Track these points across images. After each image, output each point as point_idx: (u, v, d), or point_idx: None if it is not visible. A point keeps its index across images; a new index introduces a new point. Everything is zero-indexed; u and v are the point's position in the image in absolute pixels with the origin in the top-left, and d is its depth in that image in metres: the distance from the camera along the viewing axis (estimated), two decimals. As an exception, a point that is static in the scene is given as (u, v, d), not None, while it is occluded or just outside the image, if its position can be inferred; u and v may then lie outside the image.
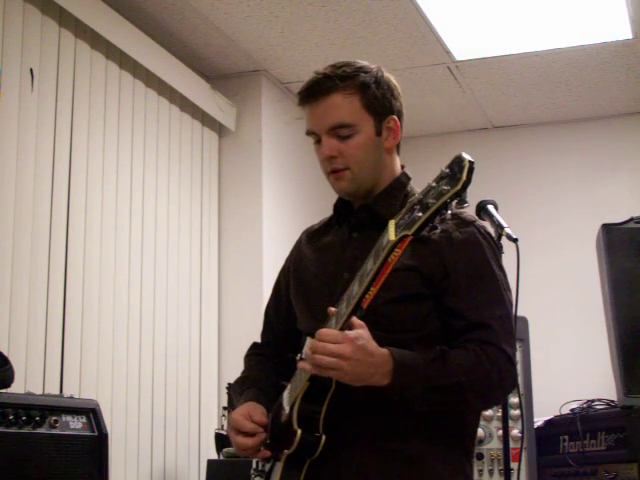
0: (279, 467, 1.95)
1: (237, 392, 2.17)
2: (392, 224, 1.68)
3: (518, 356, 4.09)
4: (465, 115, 5.36)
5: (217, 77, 4.72)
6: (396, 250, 1.67)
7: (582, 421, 3.90)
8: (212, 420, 4.34)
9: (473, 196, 1.63)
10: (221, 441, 3.87)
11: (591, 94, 5.03)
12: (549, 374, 4.73)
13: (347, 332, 1.77)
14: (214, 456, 3.95)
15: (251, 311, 4.32)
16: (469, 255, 1.95)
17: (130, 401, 3.81)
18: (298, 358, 1.92)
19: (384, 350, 1.81)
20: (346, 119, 1.98)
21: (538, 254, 4.89)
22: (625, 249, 3.91)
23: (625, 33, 4.32)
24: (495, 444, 4.11)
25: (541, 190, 5.39)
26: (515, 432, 4.00)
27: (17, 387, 2.83)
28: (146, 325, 3.97)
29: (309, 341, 1.82)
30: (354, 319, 1.78)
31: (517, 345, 4.03)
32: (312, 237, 2.20)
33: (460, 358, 1.86)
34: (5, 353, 2.74)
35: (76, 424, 2.77)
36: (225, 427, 3.86)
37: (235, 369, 2.35)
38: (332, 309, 1.82)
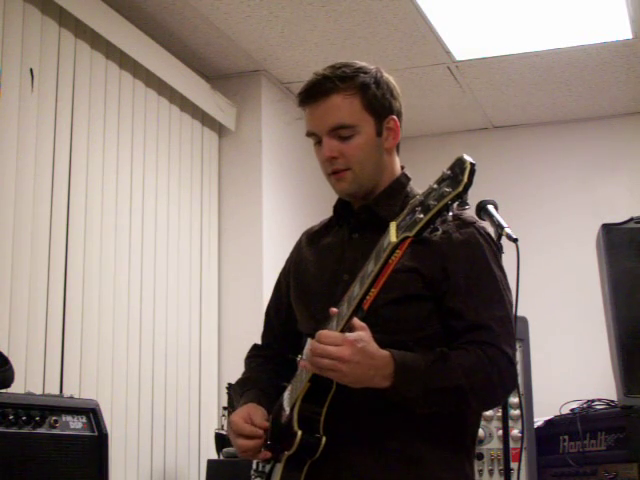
0: (279, 468, 1.95)
1: (237, 393, 2.17)
2: (393, 225, 1.68)
3: (518, 356, 4.09)
4: (465, 115, 5.36)
5: (217, 77, 4.72)
6: (397, 251, 1.67)
7: (582, 421, 3.90)
8: (212, 420, 4.34)
9: (473, 196, 1.64)
10: (221, 441, 3.87)
11: (591, 94, 5.03)
12: (549, 374, 4.73)
13: (347, 334, 1.77)
14: (214, 456, 3.95)
15: (251, 311, 4.32)
16: (469, 256, 1.95)
17: (130, 401, 3.81)
18: (299, 359, 1.92)
19: (385, 352, 1.81)
20: (346, 120, 1.98)
21: (538, 254, 4.89)
22: (625, 249, 3.91)
23: (625, 33, 4.32)
24: (495, 444, 4.11)
25: (541, 190, 5.39)
26: (515, 432, 4.00)
27: (17, 387, 2.83)
28: (146, 325, 3.97)
29: (309, 342, 1.82)
30: (355, 321, 1.78)
31: (517, 345, 4.03)
32: (312, 238, 2.20)
33: (461, 360, 1.86)
34: (5, 353, 2.74)
35: (76, 424, 2.77)
36: (225, 427, 3.86)
37: (235, 369, 2.35)
38: (334, 309, 1.82)
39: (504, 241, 2.52)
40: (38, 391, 3.17)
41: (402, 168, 2.11)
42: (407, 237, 1.64)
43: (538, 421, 4.20)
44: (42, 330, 3.35)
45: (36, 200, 3.38)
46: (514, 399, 3.93)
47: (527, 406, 4.06)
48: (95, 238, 3.68)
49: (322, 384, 1.85)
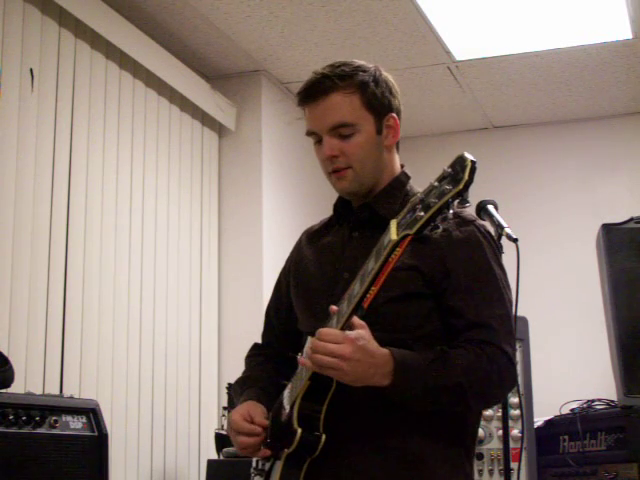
0: (279, 466, 1.95)
1: (237, 392, 2.17)
2: (394, 223, 1.68)
3: (518, 356, 4.09)
4: (465, 115, 5.36)
5: (217, 77, 4.72)
6: (397, 249, 1.67)
7: (582, 421, 3.90)
8: (212, 420, 4.34)
9: (473, 196, 1.63)
10: (221, 441, 3.87)
11: (591, 94, 5.03)
12: (549, 374, 4.73)
13: (348, 332, 1.77)
14: (214, 456, 3.95)
15: (251, 311, 4.32)
16: (469, 254, 1.95)
17: (130, 401, 3.81)
18: (299, 357, 1.92)
19: (385, 350, 1.81)
20: (347, 118, 1.98)
21: (538, 254, 4.89)
22: (625, 249, 3.91)
23: (625, 33, 4.32)
24: (495, 444, 4.11)
25: (541, 190, 5.39)
26: (515, 432, 4.00)
27: (17, 387, 2.83)
28: (146, 325, 3.97)
29: (310, 340, 1.82)
30: (355, 319, 1.78)
31: (517, 345, 4.03)
32: (312, 237, 2.20)
33: (460, 358, 1.86)
34: (5, 353, 2.74)
35: (76, 424, 2.77)
36: (225, 427, 3.86)
37: (235, 369, 2.35)
38: (334, 307, 1.82)
39: (504, 241, 2.52)
40: (38, 391, 3.17)
41: (402, 167, 2.11)
42: (407, 235, 1.64)
43: (538, 421, 4.20)
44: (42, 330, 3.35)
45: (36, 200, 3.38)
46: (514, 399, 3.93)
47: (527, 406, 4.05)
48: (95, 238, 3.68)
49: (322, 382, 1.85)
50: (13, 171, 3.28)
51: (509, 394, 2.12)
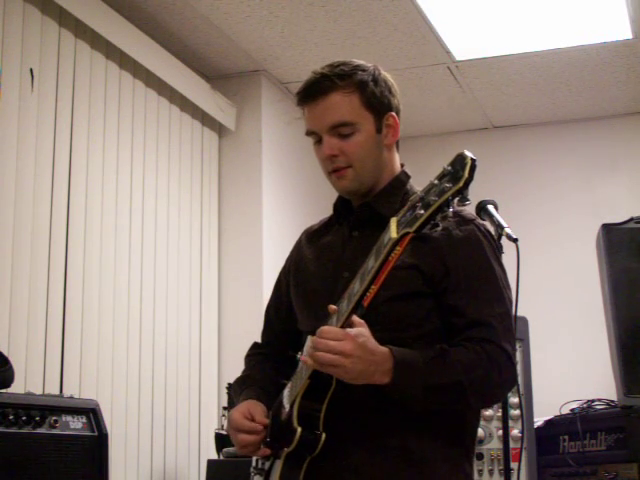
0: (279, 465, 1.95)
1: (237, 391, 2.17)
2: (394, 221, 1.68)
3: (518, 356, 4.09)
4: (465, 115, 5.36)
5: (217, 77, 4.72)
6: (397, 248, 1.67)
7: (582, 421, 3.90)
8: (212, 420, 4.34)
9: (473, 196, 1.63)
10: (221, 441, 3.87)
11: (591, 94, 5.03)
12: (549, 374, 4.73)
13: (348, 330, 1.77)
14: (214, 456, 3.95)
15: (251, 311, 4.32)
16: (469, 253, 1.96)
17: (130, 401, 3.81)
18: (299, 356, 1.92)
19: (384, 348, 1.81)
20: (346, 117, 1.98)
21: (538, 254, 4.89)
22: (625, 249, 3.91)
23: (625, 33, 4.32)
24: (495, 444, 4.11)
25: (541, 190, 5.39)
26: (515, 432, 4.00)
27: (17, 387, 2.83)
28: (146, 325, 3.97)
29: (310, 339, 1.82)
30: (354, 317, 1.78)
31: (517, 345, 4.03)
32: (312, 237, 2.20)
33: (460, 356, 1.86)
34: (5, 353, 2.74)
35: (76, 424, 2.77)
36: (225, 427, 3.86)
37: (235, 369, 2.35)
38: (333, 307, 1.83)
39: (504, 241, 2.53)
40: (38, 391, 3.17)
41: (402, 166, 2.11)
42: (408, 233, 1.64)
43: (538, 421, 4.20)
44: (42, 330, 3.35)
45: (36, 200, 3.38)
46: (514, 399, 3.94)
47: (527, 406, 4.05)
48: (95, 238, 3.68)
49: (322, 381, 1.85)
50: (13, 171, 3.28)
51: (509, 394, 2.12)
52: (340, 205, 2.13)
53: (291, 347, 2.11)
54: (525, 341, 4.20)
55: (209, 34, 4.27)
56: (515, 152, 5.52)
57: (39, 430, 2.66)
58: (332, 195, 2.15)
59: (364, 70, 2.02)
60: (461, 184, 1.57)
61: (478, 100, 5.14)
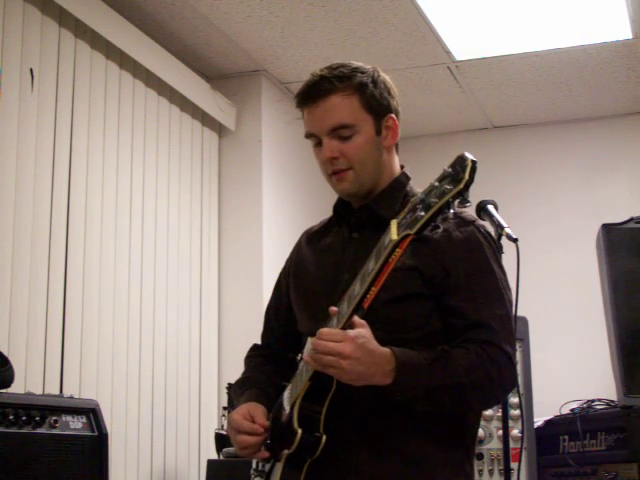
0: (279, 467, 1.95)
1: (237, 393, 2.17)
2: (394, 223, 1.68)
3: (518, 356, 4.09)
4: (465, 115, 5.36)
5: (217, 77, 4.72)
6: (397, 250, 1.67)
7: (582, 421, 3.90)
8: (212, 420, 4.34)
9: (473, 196, 1.63)
10: (221, 441, 3.87)
11: (591, 94, 5.03)
12: (549, 374, 4.73)
13: (348, 331, 1.77)
14: (214, 456, 3.95)
15: (251, 311, 4.32)
16: (469, 254, 1.95)
17: (130, 401, 3.81)
18: (299, 358, 1.92)
19: (385, 349, 1.81)
20: (346, 119, 1.98)
21: (538, 254, 4.89)
22: (625, 249, 3.91)
23: (625, 33, 4.32)
24: (495, 444, 4.11)
25: (541, 190, 5.39)
26: (515, 432, 4.00)
27: (17, 387, 2.83)
28: (146, 325, 3.97)
29: (310, 340, 1.82)
30: (356, 318, 1.78)
31: (517, 345, 4.03)
32: (312, 238, 2.20)
33: (461, 358, 1.86)
34: (5, 353, 2.74)
35: (76, 424, 2.77)
36: (225, 427, 3.86)
37: (235, 369, 2.35)
38: (333, 309, 1.82)
39: (504, 241, 2.52)
40: (38, 391, 3.17)
41: (402, 167, 2.11)
42: (408, 235, 1.64)
43: (538, 421, 4.20)
44: (42, 330, 3.34)
45: (36, 200, 3.38)
46: (514, 399, 3.94)
47: (527, 406, 4.06)
48: (95, 238, 3.68)
49: (322, 383, 1.85)
50: (13, 171, 3.28)
51: (509, 394, 2.12)
52: (340, 207, 2.13)
53: (291, 349, 2.11)
54: (525, 341, 4.20)
55: (209, 34, 4.27)
56: (515, 152, 5.52)
57: (39, 430, 2.66)
58: (332, 195, 2.15)
59: (363, 72, 2.02)
60: (461, 186, 1.57)
61: (478, 100, 5.14)
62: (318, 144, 2.02)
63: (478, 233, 1.99)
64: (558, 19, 4.22)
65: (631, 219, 3.98)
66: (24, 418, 2.63)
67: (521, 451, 3.94)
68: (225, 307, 4.59)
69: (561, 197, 5.34)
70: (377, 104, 2.02)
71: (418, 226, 1.62)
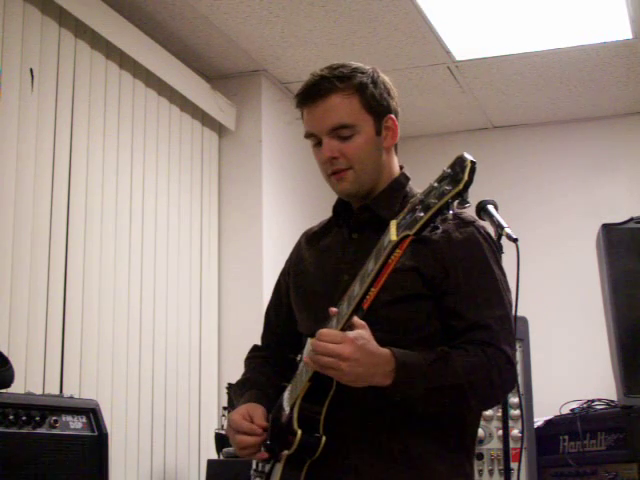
0: (279, 468, 1.95)
1: (238, 394, 2.17)
2: (394, 224, 1.67)
3: (518, 356, 4.09)
4: (465, 115, 5.36)
5: (217, 77, 4.72)
6: (397, 250, 1.67)
7: (582, 421, 3.90)
8: (212, 420, 4.34)
9: (473, 196, 1.63)
10: (221, 441, 3.87)
11: (591, 94, 5.03)
12: (549, 374, 4.73)
13: (347, 332, 1.77)
14: (214, 456, 3.95)
15: (251, 311, 4.32)
16: (468, 255, 1.95)
17: (130, 401, 3.81)
18: (299, 359, 1.92)
19: (385, 350, 1.80)
20: (346, 119, 1.98)
21: (538, 254, 4.89)
22: (625, 249, 3.91)
23: (625, 33, 4.32)
24: (495, 444, 4.11)
25: (541, 190, 5.39)
26: (515, 432, 4.00)
27: (17, 387, 2.83)
28: (146, 325, 3.97)
29: (310, 341, 1.82)
30: (355, 319, 1.78)
31: (517, 345, 4.03)
32: (311, 239, 2.20)
33: (461, 359, 1.86)
34: (5, 353, 2.74)
35: (76, 424, 2.77)
36: (225, 427, 3.86)
37: (235, 369, 2.35)
38: (333, 309, 1.82)
39: (504, 241, 2.53)
40: (38, 391, 3.17)
41: (401, 168, 2.11)
42: (407, 235, 1.64)
43: (538, 421, 4.20)
44: (42, 330, 3.35)
45: (36, 200, 3.38)
46: (514, 399, 3.94)
47: (527, 406, 4.06)
48: (95, 238, 3.68)
49: (322, 384, 1.85)
50: (13, 171, 3.28)
51: (509, 394, 2.12)
52: (339, 207, 2.13)
53: (291, 349, 2.11)
54: (525, 341, 4.20)
55: (209, 34, 4.27)
56: (515, 152, 5.52)
57: (39, 430, 2.66)
58: (332, 195, 2.15)
59: (363, 72, 2.02)
60: (461, 187, 1.57)
61: (478, 100, 5.14)
62: (318, 144, 2.02)
63: (478, 234, 1.99)
64: (558, 19, 4.22)
65: (631, 219, 3.98)
66: (24, 418, 2.63)
67: (521, 451, 3.94)
68: (225, 307, 4.59)
69: (561, 197, 5.34)
70: (377, 104, 2.02)
71: (417, 227, 1.62)
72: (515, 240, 2.52)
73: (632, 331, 3.80)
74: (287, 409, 1.93)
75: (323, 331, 1.78)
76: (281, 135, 4.88)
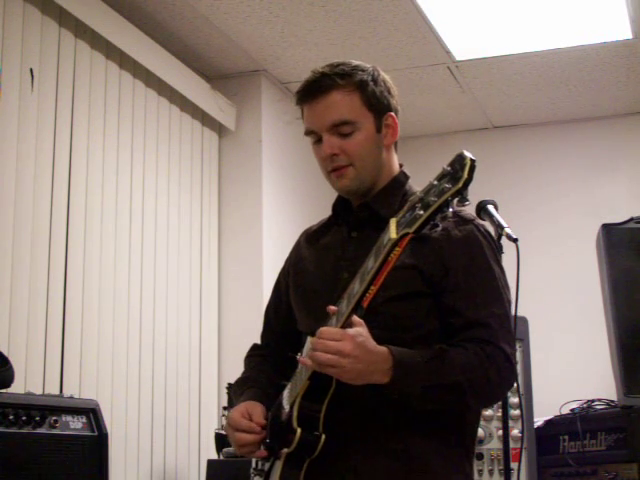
0: (279, 466, 1.95)
1: (237, 393, 2.17)
2: (393, 222, 1.67)
3: (518, 356, 4.09)
4: (465, 115, 5.36)
5: (217, 77, 4.72)
6: (396, 248, 1.67)
7: (582, 421, 3.90)
8: (212, 420, 4.34)
9: (473, 196, 1.63)
10: (221, 441, 3.87)
11: (591, 94, 5.03)
12: (549, 374, 4.73)
13: (347, 330, 1.77)
14: (214, 456, 3.95)
15: (251, 311, 4.32)
16: (468, 253, 1.95)
17: (130, 401, 3.81)
18: (299, 357, 1.92)
19: (383, 348, 1.81)
20: (347, 116, 1.98)
21: (538, 254, 4.89)
22: (625, 249, 3.92)
23: (625, 33, 4.32)
24: (495, 444, 4.11)
25: (541, 190, 5.39)
26: (515, 432, 4.00)
27: (17, 387, 2.83)
28: (146, 325, 3.97)
29: (309, 340, 1.82)
30: (354, 317, 1.78)
31: (517, 345, 4.03)
32: (311, 238, 2.20)
33: (459, 357, 1.86)
34: (5, 353, 2.74)
35: (76, 424, 2.77)
36: (224, 426, 3.86)
37: (235, 369, 2.35)
38: (332, 307, 1.82)
39: (504, 241, 2.53)
40: (38, 391, 3.17)
41: (401, 166, 2.11)
42: (407, 233, 1.64)
43: (538, 421, 4.20)
44: (42, 330, 3.35)
45: (36, 200, 3.38)
46: (514, 399, 3.94)
47: (527, 406, 4.06)
48: (95, 238, 3.68)
49: (322, 382, 1.85)
50: (13, 171, 3.28)
51: (509, 394, 2.12)
52: (339, 206, 2.13)
53: (291, 348, 2.11)
54: (525, 341, 4.20)
55: (209, 34, 4.27)
56: (515, 152, 5.52)
57: (39, 430, 2.66)
58: (332, 195, 2.15)
59: (364, 70, 2.03)
60: (460, 184, 1.57)
61: (478, 100, 5.14)
62: (318, 141, 2.02)
63: (477, 232, 1.99)
64: (558, 19, 4.22)
65: (631, 219, 3.98)
66: (24, 418, 2.63)
67: (521, 451, 3.94)
68: (225, 307, 4.59)
69: (561, 197, 5.34)
70: (377, 102, 2.02)
71: (417, 225, 1.62)
72: (515, 240, 2.52)
73: (632, 331, 3.80)
74: (287, 407, 1.93)
75: (323, 329, 1.79)
76: (281, 135, 4.88)
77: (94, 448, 2.79)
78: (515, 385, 2.01)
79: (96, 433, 2.81)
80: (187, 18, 4.11)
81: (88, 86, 3.72)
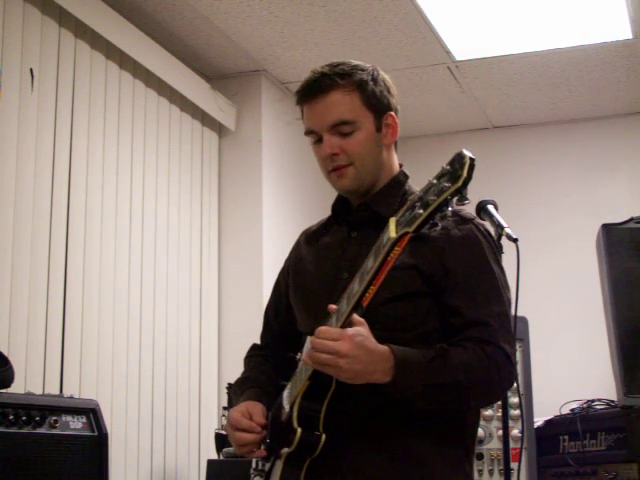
0: (279, 466, 1.95)
1: (237, 393, 2.17)
2: (393, 221, 1.67)
3: (518, 356, 4.09)
4: (465, 115, 5.36)
5: (217, 77, 4.72)
6: (396, 248, 1.67)
7: (582, 421, 3.90)
8: (212, 420, 4.34)
9: (473, 195, 1.63)
10: (221, 441, 3.87)
11: (591, 94, 5.03)
12: (549, 374, 4.73)
13: (346, 329, 1.77)
14: (214, 456, 3.95)
15: (251, 311, 4.31)
16: (467, 252, 1.95)
17: (130, 401, 3.81)
18: (298, 357, 1.92)
19: (384, 347, 1.81)
20: (347, 116, 1.98)
21: (538, 254, 4.89)
22: (625, 249, 3.91)
23: (625, 33, 4.32)
24: (495, 444, 4.11)
25: (541, 190, 5.39)
26: (515, 432, 4.00)
27: (17, 387, 2.83)
28: (146, 325, 3.97)
29: (309, 339, 1.82)
30: (354, 316, 1.78)
31: (517, 345, 4.03)
32: (311, 238, 2.20)
33: (460, 356, 1.86)
34: (5, 353, 2.74)
35: (76, 424, 2.77)
36: (225, 426, 3.86)
37: (235, 369, 2.35)
38: (332, 306, 1.83)
39: (504, 241, 2.53)
40: (38, 391, 3.17)
41: (400, 166, 2.11)
42: (407, 233, 1.64)
43: (538, 421, 4.20)
44: (42, 330, 3.34)
45: (36, 200, 3.38)
46: (514, 399, 3.93)
47: (527, 406, 4.06)
48: (95, 238, 3.68)
49: (322, 382, 1.85)
50: (13, 171, 3.28)
51: (509, 394, 2.12)
52: (339, 206, 2.13)
53: (290, 348, 2.11)
54: (525, 341, 4.20)
55: (209, 34, 4.27)
56: (515, 152, 5.52)
57: (39, 430, 2.66)
58: (332, 195, 2.15)
59: (364, 70, 2.03)
60: (460, 183, 1.57)
61: (478, 100, 5.14)
62: (318, 141, 2.02)
63: (477, 231, 1.99)
64: (558, 19, 4.22)
65: (631, 219, 3.98)
66: (24, 418, 2.62)
67: (521, 451, 3.94)
68: (225, 307, 4.59)
69: (561, 197, 5.34)
70: (377, 102, 2.02)
71: (417, 224, 1.62)
72: (515, 240, 2.52)
73: (632, 331, 3.80)
74: (287, 407, 1.93)
75: (322, 328, 1.79)
76: (281, 135, 4.88)
77: (94, 448, 2.79)
78: (515, 385, 2.01)
79: (96, 433, 2.81)
80: (187, 18, 4.11)
81: (88, 86, 3.72)
